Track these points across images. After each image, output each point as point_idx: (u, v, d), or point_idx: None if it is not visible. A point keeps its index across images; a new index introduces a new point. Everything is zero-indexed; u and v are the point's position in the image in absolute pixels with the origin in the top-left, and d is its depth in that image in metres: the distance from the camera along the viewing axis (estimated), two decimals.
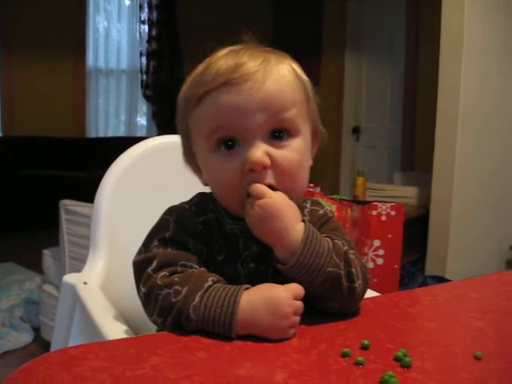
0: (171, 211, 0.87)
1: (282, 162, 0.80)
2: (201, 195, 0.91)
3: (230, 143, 0.80)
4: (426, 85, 4.51)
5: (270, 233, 0.78)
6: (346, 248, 0.82)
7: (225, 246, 0.85)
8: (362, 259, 0.85)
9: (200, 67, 0.83)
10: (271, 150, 0.80)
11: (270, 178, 0.80)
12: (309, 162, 0.88)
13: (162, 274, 0.76)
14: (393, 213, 2.52)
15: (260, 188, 0.78)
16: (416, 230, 3.46)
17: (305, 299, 0.75)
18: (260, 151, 0.79)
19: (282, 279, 0.78)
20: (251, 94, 0.78)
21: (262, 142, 0.80)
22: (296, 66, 0.86)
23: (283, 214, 0.78)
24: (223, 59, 0.80)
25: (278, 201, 0.78)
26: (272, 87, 0.80)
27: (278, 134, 0.81)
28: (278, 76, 0.81)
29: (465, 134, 3.15)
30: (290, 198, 0.81)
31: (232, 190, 0.81)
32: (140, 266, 0.80)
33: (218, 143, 0.81)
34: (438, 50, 3.23)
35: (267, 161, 0.79)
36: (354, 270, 0.80)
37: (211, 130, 0.80)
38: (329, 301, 0.80)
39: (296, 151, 0.82)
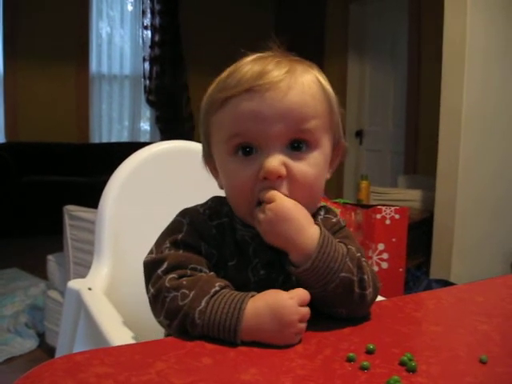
0: (185, 213, 0.87)
1: (297, 175, 0.80)
2: (215, 199, 0.91)
3: (248, 149, 0.81)
4: (428, 88, 4.51)
5: (281, 236, 0.78)
6: (358, 255, 0.82)
7: (236, 251, 0.85)
8: (372, 267, 0.85)
9: (226, 71, 0.84)
10: (289, 161, 0.80)
11: (284, 188, 0.79)
12: (326, 176, 0.87)
13: (171, 276, 0.76)
14: (397, 216, 2.51)
15: (272, 192, 0.78)
16: (420, 233, 3.45)
17: (311, 304, 0.74)
18: (277, 160, 0.78)
19: (291, 287, 0.78)
20: (273, 103, 0.78)
21: (281, 152, 0.80)
22: (322, 77, 0.86)
23: (294, 216, 0.78)
24: (249, 65, 0.81)
25: (288, 204, 0.78)
26: (295, 98, 0.80)
27: (298, 144, 0.81)
28: (302, 87, 0.81)
29: (468, 137, 3.14)
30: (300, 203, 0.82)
31: (244, 195, 0.81)
32: (150, 267, 0.80)
33: (237, 148, 0.81)
34: (441, 52, 3.23)
35: (283, 171, 0.79)
36: (366, 277, 0.80)
37: (231, 135, 0.81)
38: (338, 306, 0.80)
39: (313, 165, 0.82)
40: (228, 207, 0.88)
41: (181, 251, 0.81)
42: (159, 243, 0.84)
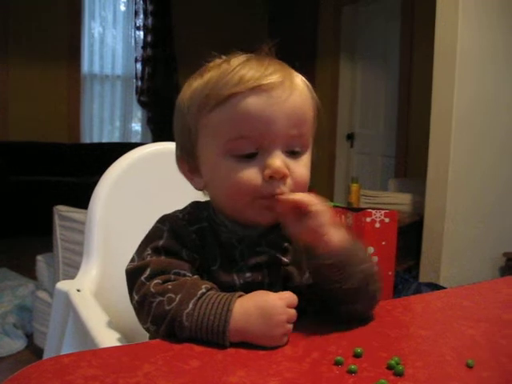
0: (164, 220, 0.87)
1: (297, 175, 0.82)
2: (194, 204, 0.91)
3: (251, 151, 0.80)
4: (420, 92, 4.53)
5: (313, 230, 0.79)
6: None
7: (220, 254, 0.85)
8: None
9: (212, 72, 0.82)
10: (288, 161, 0.81)
11: (286, 187, 0.81)
12: None
13: (156, 281, 0.76)
14: (387, 220, 2.52)
15: (305, 196, 0.79)
16: (410, 237, 3.46)
17: (298, 307, 0.75)
18: (281, 160, 0.80)
19: (277, 290, 0.78)
20: (280, 103, 0.79)
21: (281, 153, 0.81)
22: (308, 83, 0.87)
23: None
24: (247, 65, 0.80)
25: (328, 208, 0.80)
26: (297, 99, 0.81)
27: (294, 146, 0.82)
28: (301, 89, 0.83)
29: (459, 142, 3.16)
30: None
31: (245, 194, 0.81)
32: (133, 274, 0.80)
33: (238, 149, 0.80)
34: (432, 56, 3.24)
35: (287, 171, 0.80)
36: (377, 273, 0.83)
37: (235, 137, 0.79)
38: (355, 302, 0.81)
39: (306, 167, 0.85)
40: (207, 212, 0.88)
41: (163, 257, 0.81)
42: (140, 251, 0.84)
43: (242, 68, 0.80)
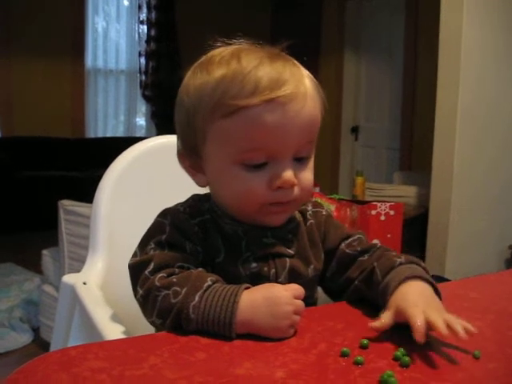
0: (165, 214, 0.86)
1: (304, 182, 0.83)
2: (196, 197, 0.91)
3: (261, 162, 0.80)
4: (424, 85, 4.52)
5: None
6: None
7: (224, 246, 0.85)
8: None
9: (220, 70, 0.79)
10: (296, 170, 0.81)
11: (294, 194, 0.82)
12: None
13: (160, 275, 0.76)
14: (392, 212, 2.52)
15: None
16: (415, 229, 3.46)
17: (304, 299, 0.75)
18: (290, 171, 0.80)
19: (284, 281, 0.78)
20: (295, 116, 0.78)
21: (290, 161, 0.81)
22: (316, 82, 0.85)
23: None
24: (260, 69, 0.77)
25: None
26: (310, 109, 0.80)
27: (302, 155, 0.82)
28: (312, 95, 0.82)
29: (463, 134, 3.15)
30: (299, 206, 0.89)
31: (253, 201, 0.81)
32: (137, 269, 0.80)
33: (249, 160, 0.79)
34: (437, 50, 3.23)
35: (296, 181, 0.81)
36: None
37: (248, 149, 0.78)
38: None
39: (311, 170, 0.85)
40: (208, 204, 0.88)
41: (166, 251, 0.81)
42: (143, 245, 0.84)
43: (255, 73, 0.77)
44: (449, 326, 0.67)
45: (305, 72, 0.84)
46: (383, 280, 0.81)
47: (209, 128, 0.81)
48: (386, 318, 0.72)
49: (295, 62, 0.84)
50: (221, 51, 0.83)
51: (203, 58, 0.85)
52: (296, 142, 0.80)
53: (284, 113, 0.77)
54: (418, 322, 0.68)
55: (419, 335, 0.67)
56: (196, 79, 0.83)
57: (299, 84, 0.79)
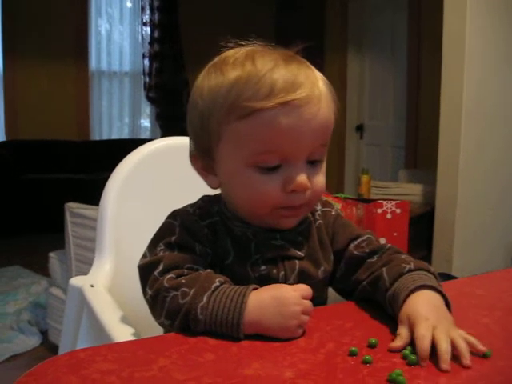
0: (175, 215, 0.86)
1: (316, 185, 0.83)
2: (205, 198, 0.91)
3: (275, 165, 0.80)
4: (428, 82, 4.51)
5: None
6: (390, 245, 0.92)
7: (233, 248, 0.85)
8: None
9: (235, 71, 0.79)
10: (309, 173, 0.81)
11: (306, 198, 0.82)
12: None
13: (169, 276, 0.76)
14: (398, 210, 2.52)
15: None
16: (421, 227, 3.46)
17: (312, 300, 0.75)
18: (305, 175, 0.80)
19: (293, 283, 0.78)
20: (310, 119, 0.78)
21: (304, 165, 0.81)
22: (329, 84, 0.85)
23: None
24: (275, 72, 0.77)
25: None
26: (324, 112, 0.80)
27: (315, 158, 0.83)
28: (326, 99, 0.82)
29: (468, 131, 3.14)
30: (311, 209, 0.89)
31: (266, 204, 0.81)
32: (146, 270, 0.80)
33: (263, 163, 0.79)
34: (440, 47, 3.22)
35: (309, 185, 0.81)
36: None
37: (262, 151, 0.78)
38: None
39: (323, 173, 0.85)
40: (218, 206, 0.88)
41: (175, 252, 0.81)
42: (152, 247, 0.84)
43: (271, 75, 0.77)
44: (454, 346, 0.66)
45: (319, 75, 0.84)
46: (391, 287, 0.80)
47: (223, 130, 0.80)
48: (404, 336, 0.70)
49: (309, 64, 0.83)
50: (234, 52, 0.83)
51: (216, 59, 0.84)
52: (310, 144, 0.80)
53: (299, 116, 0.77)
54: (425, 344, 0.67)
55: (423, 360, 0.65)
56: (210, 80, 0.82)
57: (314, 87, 0.79)
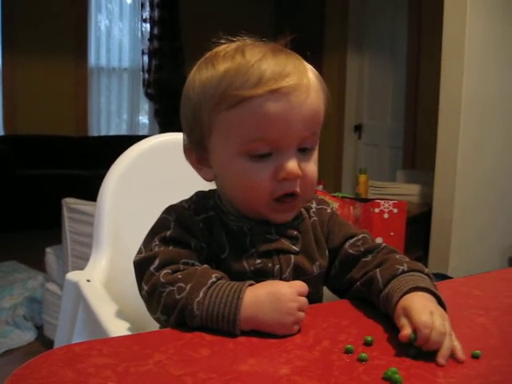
0: (170, 210, 0.87)
1: (308, 175, 0.83)
2: (200, 193, 0.91)
3: (266, 153, 0.80)
4: (427, 83, 4.51)
5: None
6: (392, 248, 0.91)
7: (228, 242, 0.85)
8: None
9: (225, 64, 0.80)
10: (300, 161, 0.81)
11: (298, 187, 0.82)
12: None
13: (165, 271, 0.76)
14: (395, 210, 2.52)
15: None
16: (418, 227, 3.46)
17: (308, 296, 0.75)
18: (295, 162, 0.80)
19: (288, 278, 0.78)
20: (298, 106, 0.79)
21: (294, 153, 0.81)
22: (319, 76, 0.86)
23: None
24: (264, 62, 0.78)
25: None
26: (313, 100, 0.81)
27: (306, 146, 0.83)
28: (315, 87, 0.82)
29: (467, 132, 3.15)
30: (306, 202, 0.88)
31: (259, 194, 0.81)
32: (142, 265, 0.80)
33: (254, 151, 0.80)
34: (440, 48, 3.23)
35: (300, 172, 0.81)
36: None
37: (252, 139, 0.79)
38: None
39: (315, 162, 0.85)
40: (213, 201, 0.89)
41: (171, 247, 0.81)
42: (147, 242, 0.84)
43: (259, 65, 0.78)
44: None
45: (308, 66, 0.84)
46: (384, 288, 0.80)
47: (214, 120, 0.81)
48: (408, 324, 0.70)
49: (298, 56, 0.84)
50: (225, 47, 0.84)
51: (208, 54, 0.86)
52: (300, 132, 0.80)
53: (288, 102, 0.78)
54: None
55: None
56: (201, 74, 0.83)
57: (302, 76, 0.80)
